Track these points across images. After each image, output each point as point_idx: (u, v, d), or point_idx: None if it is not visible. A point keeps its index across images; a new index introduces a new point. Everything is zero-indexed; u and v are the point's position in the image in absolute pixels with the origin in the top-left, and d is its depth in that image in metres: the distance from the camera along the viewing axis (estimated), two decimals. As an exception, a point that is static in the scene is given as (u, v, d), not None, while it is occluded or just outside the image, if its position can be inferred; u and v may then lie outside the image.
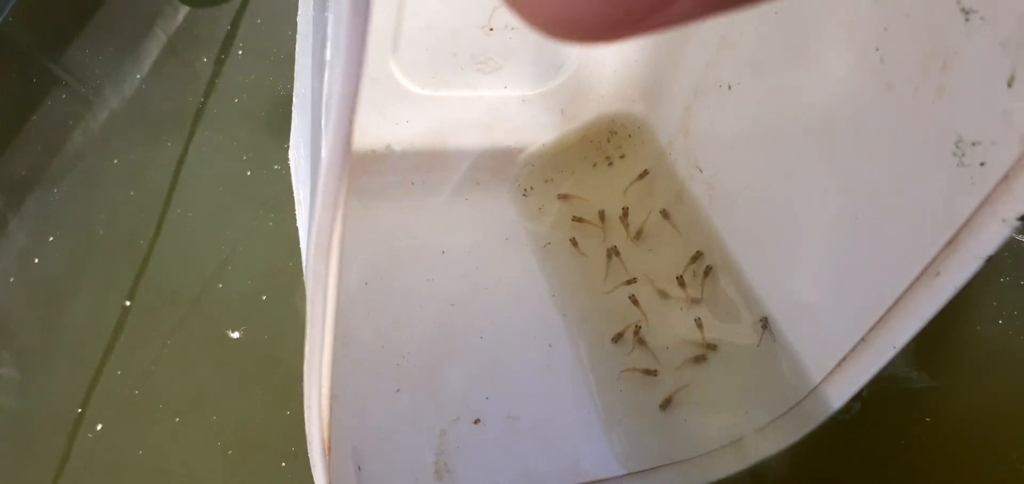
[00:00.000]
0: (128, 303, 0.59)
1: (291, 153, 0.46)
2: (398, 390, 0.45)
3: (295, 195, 0.44)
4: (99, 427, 0.54)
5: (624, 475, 0.44)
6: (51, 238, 0.64)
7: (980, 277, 0.31)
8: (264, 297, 0.58)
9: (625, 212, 0.54)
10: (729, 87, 0.46)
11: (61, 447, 0.54)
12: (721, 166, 0.48)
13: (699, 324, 0.48)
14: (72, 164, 0.68)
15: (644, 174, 0.55)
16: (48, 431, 0.54)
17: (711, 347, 0.48)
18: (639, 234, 0.54)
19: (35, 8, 0.77)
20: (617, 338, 0.49)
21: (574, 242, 0.54)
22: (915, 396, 0.49)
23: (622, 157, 0.58)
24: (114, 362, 0.57)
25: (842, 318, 0.38)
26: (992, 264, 0.31)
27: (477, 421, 0.45)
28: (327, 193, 0.19)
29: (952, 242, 0.31)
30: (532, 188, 0.57)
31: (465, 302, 0.51)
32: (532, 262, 0.53)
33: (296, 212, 0.44)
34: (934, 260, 0.32)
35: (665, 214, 0.53)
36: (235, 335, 0.57)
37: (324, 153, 0.18)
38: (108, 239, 0.63)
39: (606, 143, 0.59)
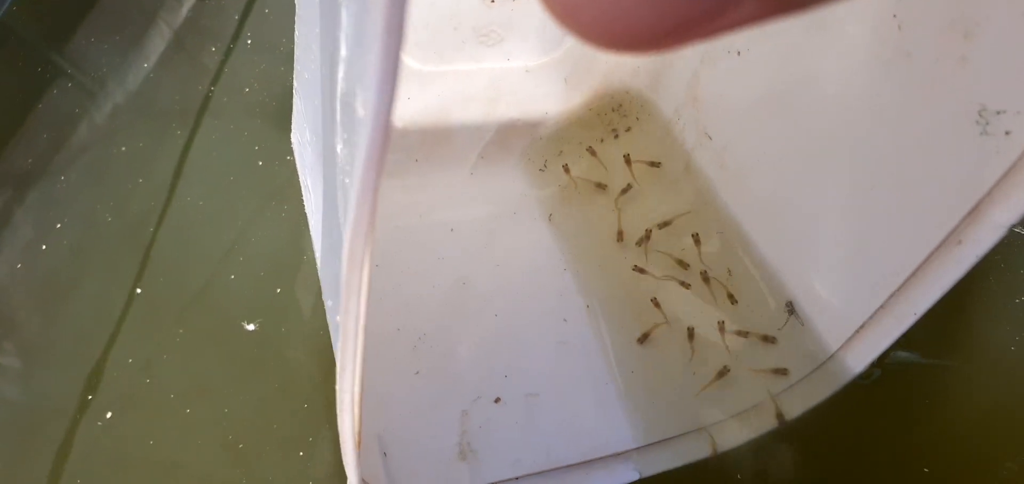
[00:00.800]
0: (137, 292, 0.60)
1: (294, 136, 0.46)
2: (417, 372, 0.46)
3: (301, 180, 0.44)
4: (108, 415, 0.55)
5: (647, 446, 0.45)
6: (57, 227, 0.64)
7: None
8: (277, 289, 0.58)
9: (627, 187, 0.54)
10: (738, 53, 0.46)
11: (67, 436, 0.54)
12: (732, 135, 0.48)
13: (711, 288, 0.49)
14: (77, 155, 0.68)
15: (652, 163, 0.55)
16: (54, 420, 0.55)
17: (731, 329, 0.48)
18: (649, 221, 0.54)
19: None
20: (642, 339, 0.49)
21: (583, 214, 0.54)
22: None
23: (628, 130, 0.58)
24: (121, 351, 0.57)
25: (861, 286, 0.39)
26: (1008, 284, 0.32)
27: (497, 400, 0.45)
28: (361, 207, 0.19)
29: (974, 211, 0.32)
30: (540, 161, 0.57)
31: (477, 280, 0.51)
32: (542, 235, 0.53)
33: (304, 198, 0.44)
34: (956, 229, 0.33)
35: (675, 186, 0.54)
36: (250, 327, 0.57)
37: (358, 172, 0.18)
38: (115, 229, 0.63)
39: (612, 113, 0.59)
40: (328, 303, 0.37)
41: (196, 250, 0.61)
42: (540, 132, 0.57)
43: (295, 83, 0.43)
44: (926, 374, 0.48)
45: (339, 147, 0.23)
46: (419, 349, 0.47)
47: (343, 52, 0.22)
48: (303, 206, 0.52)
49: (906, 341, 0.38)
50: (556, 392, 0.47)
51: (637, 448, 0.45)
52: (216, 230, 0.62)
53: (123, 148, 0.68)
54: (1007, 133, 0.29)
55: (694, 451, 0.45)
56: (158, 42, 0.75)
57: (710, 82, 0.50)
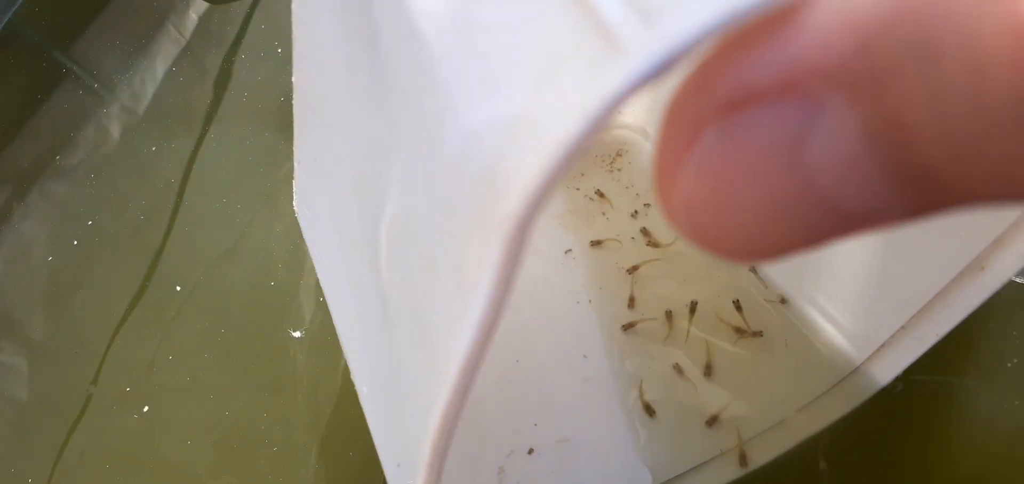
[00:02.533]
0: (138, 293, 0.62)
1: (300, 208, 0.45)
2: (448, 434, 0.46)
3: (312, 251, 0.43)
4: (106, 415, 0.57)
5: (678, 477, 0.46)
6: (59, 227, 0.65)
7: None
8: (278, 292, 0.60)
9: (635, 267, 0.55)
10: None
11: (66, 436, 0.55)
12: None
13: (738, 309, 0.50)
14: (81, 156, 0.70)
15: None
16: (52, 419, 0.56)
17: (749, 334, 0.49)
18: (654, 240, 0.55)
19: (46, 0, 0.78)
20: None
21: (596, 243, 0.55)
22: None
23: (620, 156, 0.59)
24: (121, 352, 0.59)
25: (883, 308, 0.41)
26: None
27: (531, 451, 0.46)
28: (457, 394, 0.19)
29: (1000, 240, 0.33)
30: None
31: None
32: (555, 272, 0.54)
33: (318, 274, 0.43)
34: (979, 256, 0.35)
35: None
36: (249, 329, 0.59)
37: (462, 348, 0.18)
38: (116, 230, 0.65)
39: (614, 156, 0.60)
40: (362, 389, 0.37)
41: (197, 252, 0.63)
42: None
43: (297, 151, 0.42)
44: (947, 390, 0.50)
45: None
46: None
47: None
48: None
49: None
50: (586, 433, 0.48)
51: (669, 481, 0.46)
52: (218, 233, 0.63)
53: (127, 149, 0.69)
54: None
55: (724, 473, 0.47)
56: (166, 45, 0.76)
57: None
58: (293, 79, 0.36)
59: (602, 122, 0.13)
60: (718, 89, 0.13)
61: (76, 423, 0.56)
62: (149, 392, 0.57)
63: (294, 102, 0.38)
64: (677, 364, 0.50)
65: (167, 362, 0.58)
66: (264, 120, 0.66)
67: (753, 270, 0.52)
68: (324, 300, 0.55)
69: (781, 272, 0.49)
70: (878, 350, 0.42)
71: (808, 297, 0.47)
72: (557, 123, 0.13)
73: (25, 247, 0.64)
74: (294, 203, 0.44)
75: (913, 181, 0.12)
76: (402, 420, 0.31)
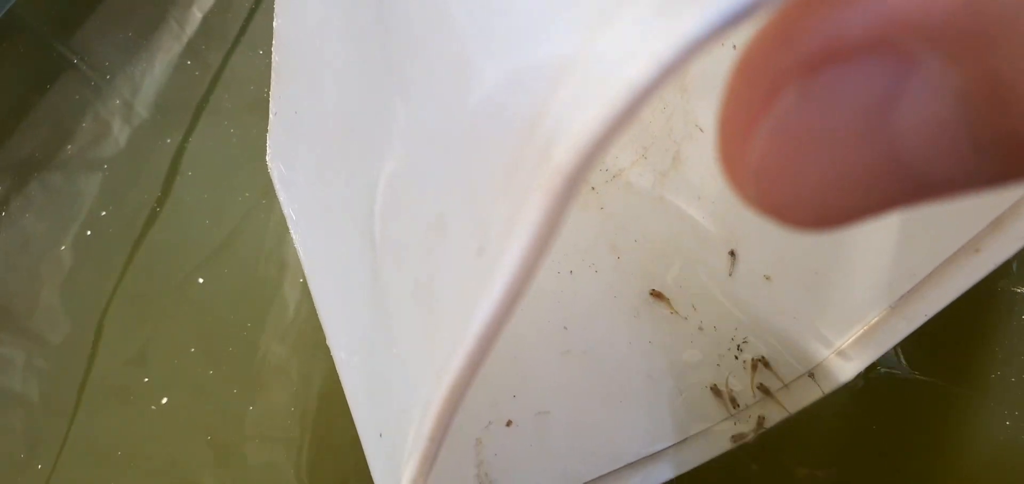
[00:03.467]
0: (130, 286, 0.62)
1: (271, 161, 0.43)
2: (424, 404, 0.45)
3: (288, 214, 0.42)
4: (95, 409, 0.58)
5: (660, 452, 0.46)
6: (54, 218, 0.66)
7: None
8: (268, 286, 0.61)
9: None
10: (734, 46, 0.47)
11: (55, 430, 0.56)
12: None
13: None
14: (79, 147, 0.70)
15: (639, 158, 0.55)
16: (41, 413, 0.57)
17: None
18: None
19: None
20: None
21: (572, 213, 0.54)
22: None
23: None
24: (111, 345, 0.60)
25: (874, 284, 0.41)
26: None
27: (509, 423, 0.46)
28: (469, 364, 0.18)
29: (998, 222, 0.34)
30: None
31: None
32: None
33: (293, 234, 0.42)
34: (975, 237, 0.35)
35: (662, 176, 0.54)
36: (240, 323, 0.59)
37: (472, 336, 0.17)
38: (111, 221, 0.66)
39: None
40: (339, 355, 0.36)
41: (193, 246, 0.64)
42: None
43: (273, 105, 0.40)
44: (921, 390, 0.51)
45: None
46: (421, 377, 0.46)
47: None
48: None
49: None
50: (566, 405, 0.47)
51: (650, 455, 0.46)
52: (214, 227, 0.64)
53: (126, 143, 0.70)
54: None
55: (709, 448, 0.47)
56: (166, 38, 0.77)
57: (701, 72, 0.50)
58: (274, 24, 0.34)
59: (676, 68, 0.12)
60: (802, 44, 0.12)
61: (72, 418, 0.57)
62: (141, 386, 0.57)
63: (273, 49, 0.36)
64: (652, 341, 0.50)
65: (160, 356, 0.59)
66: (263, 116, 0.67)
67: (732, 254, 0.52)
68: (307, 298, 0.58)
69: (764, 249, 0.49)
70: (865, 330, 0.42)
71: (793, 276, 0.47)
72: (625, 68, 0.12)
73: (23, 239, 0.65)
74: (267, 157, 0.42)
75: (1002, 148, 0.11)
76: (388, 388, 0.30)
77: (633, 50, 0.12)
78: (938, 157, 0.12)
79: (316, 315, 0.37)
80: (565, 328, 0.50)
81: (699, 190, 0.52)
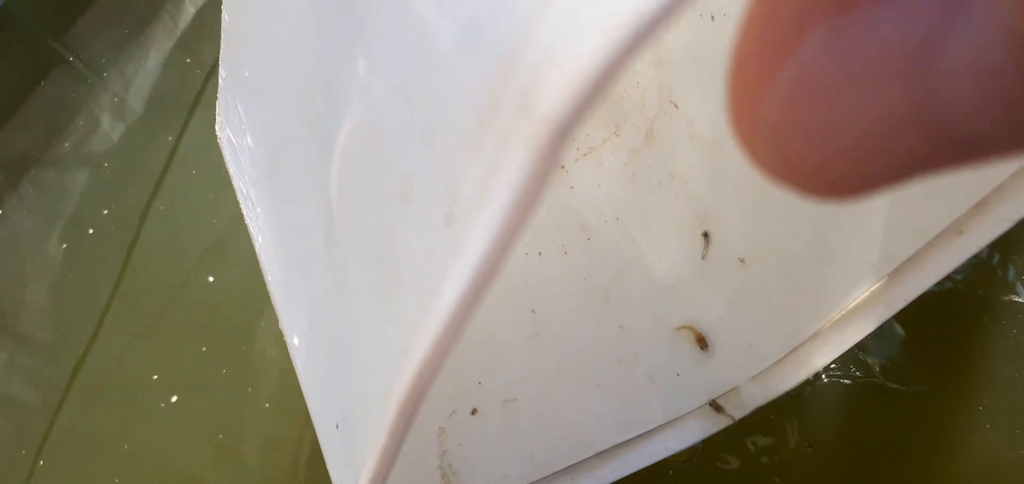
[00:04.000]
0: (123, 283, 0.62)
1: (222, 132, 0.40)
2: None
3: (236, 186, 0.39)
4: (86, 406, 0.58)
5: (631, 440, 0.45)
6: (47, 215, 0.66)
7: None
8: (260, 282, 0.60)
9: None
10: (712, 17, 0.45)
11: (46, 427, 0.56)
12: (703, 105, 0.48)
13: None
14: (72, 143, 0.70)
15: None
16: (32, 410, 0.57)
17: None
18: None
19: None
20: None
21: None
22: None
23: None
24: (105, 343, 0.60)
25: (854, 267, 0.40)
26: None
27: (474, 411, 0.44)
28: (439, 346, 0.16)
29: (981, 204, 0.33)
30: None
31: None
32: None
33: (243, 210, 0.39)
34: (959, 219, 0.34)
35: (634, 153, 0.53)
36: (233, 319, 0.59)
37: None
38: (105, 218, 0.65)
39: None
40: (293, 340, 0.34)
41: (186, 243, 0.63)
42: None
43: (223, 69, 0.37)
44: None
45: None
46: (382, 362, 0.44)
47: (362, 72, 0.18)
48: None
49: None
50: (534, 392, 0.45)
51: (622, 443, 0.45)
52: (207, 224, 0.64)
53: (118, 139, 0.70)
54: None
55: (684, 436, 0.46)
56: (159, 34, 0.77)
57: (678, 45, 0.49)
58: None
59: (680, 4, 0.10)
60: None
61: (55, 416, 0.57)
62: (134, 385, 0.57)
63: (223, 7, 0.33)
64: (622, 325, 0.49)
65: (153, 354, 0.59)
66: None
67: (705, 235, 0.50)
68: None
69: (740, 231, 0.48)
70: (843, 314, 0.41)
71: (770, 259, 0.46)
72: (619, 2, 0.10)
73: (13, 237, 0.65)
74: (216, 127, 0.40)
75: None
76: (347, 374, 0.28)
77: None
78: (984, 108, 0.10)
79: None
80: (533, 312, 0.48)
81: (672, 169, 0.51)
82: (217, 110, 0.39)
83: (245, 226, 0.61)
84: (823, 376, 0.51)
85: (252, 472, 0.54)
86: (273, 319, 0.57)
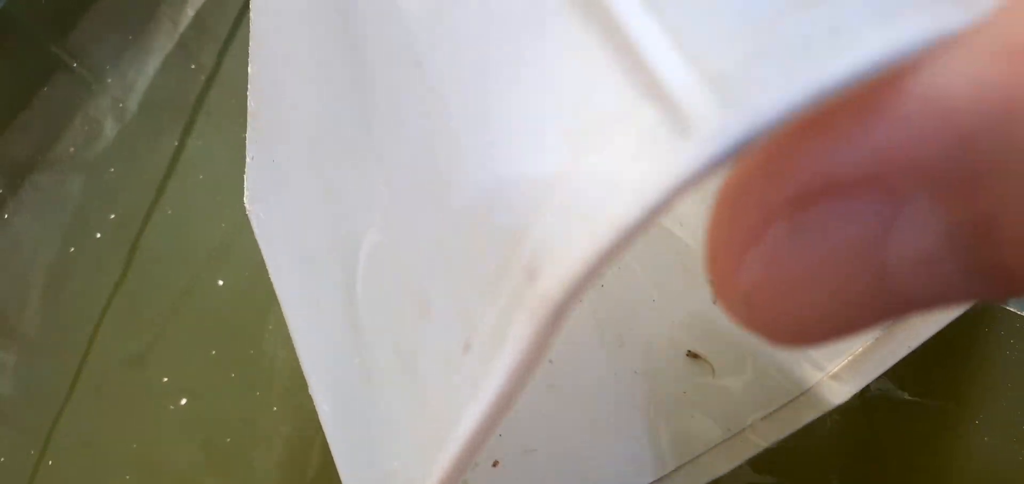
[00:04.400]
0: (123, 287, 0.62)
1: (249, 204, 0.42)
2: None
3: (268, 258, 0.41)
4: (89, 410, 0.57)
5: (658, 480, 0.47)
6: (46, 219, 0.66)
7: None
8: (265, 287, 0.62)
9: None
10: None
11: (48, 434, 0.56)
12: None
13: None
14: (71, 147, 0.70)
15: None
16: (34, 413, 0.57)
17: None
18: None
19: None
20: None
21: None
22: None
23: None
24: (105, 346, 0.59)
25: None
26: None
27: (495, 464, 0.45)
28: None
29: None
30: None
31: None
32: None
33: (273, 278, 0.41)
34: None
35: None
36: (236, 323, 0.59)
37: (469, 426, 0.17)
38: (104, 223, 0.65)
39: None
40: (323, 408, 0.36)
41: (187, 248, 0.63)
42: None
43: (250, 149, 0.39)
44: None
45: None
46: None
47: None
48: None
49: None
50: (551, 442, 0.47)
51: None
52: (208, 229, 0.64)
53: (118, 144, 0.69)
54: None
55: (702, 474, 0.47)
56: (160, 38, 0.76)
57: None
58: (249, 70, 0.34)
59: (665, 207, 0.11)
60: (792, 178, 0.12)
61: (57, 418, 0.57)
62: (144, 388, 0.57)
63: (249, 94, 0.35)
64: (636, 370, 0.50)
65: (152, 358, 0.58)
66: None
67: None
68: None
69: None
70: (861, 352, 0.42)
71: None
72: (609, 203, 0.12)
73: (15, 241, 0.65)
74: (245, 199, 0.42)
75: (991, 276, 0.12)
76: (370, 447, 0.30)
77: (620, 183, 0.12)
78: (928, 284, 0.12)
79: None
80: (550, 362, 0.50)
81: (681, 216, 0.52)
82: (246, 184, 0.42)
83: (251, 230, 0.63)
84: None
85: (261, 475, 0.55)
86: (282, 323, 0.58)
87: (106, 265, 0.63)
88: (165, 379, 0.58)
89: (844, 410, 0.51)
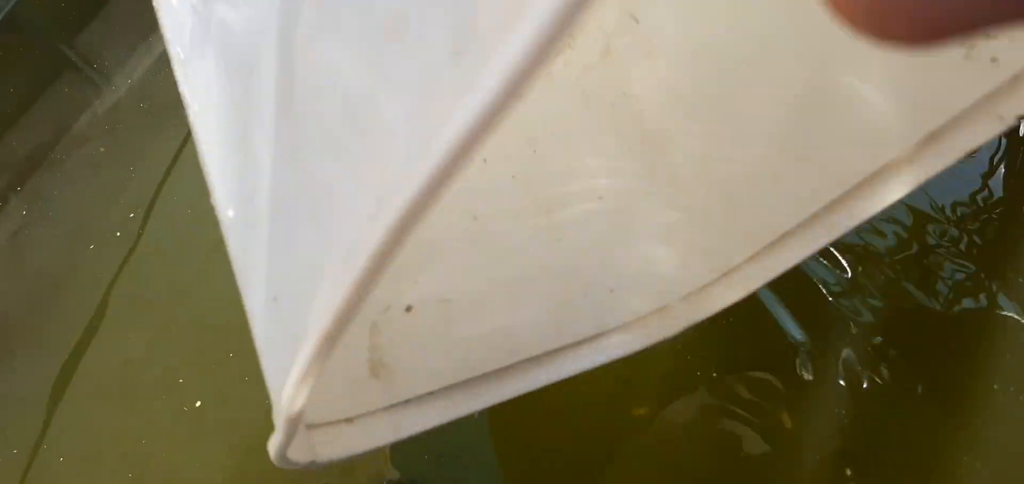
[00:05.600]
0: (122, 286, 0.63)
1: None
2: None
3: (170, 49, 0.36)
4: (86, 407, 0.60)
5: (568, 347, 0.45)
6: (50, 215, 0.67)
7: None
8: None
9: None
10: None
11: (42, 426, 0.57)
12: (667, 17, 0.47)
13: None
14: (77, 145, 0.72)
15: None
16: (29, 409, 0.58)
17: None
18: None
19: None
20: None
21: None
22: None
23: None
24: (104, 344, 0.60)
25: (795, 195, 0.41)
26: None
27: (409, 308, 0.43)
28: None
29: (936, 133, 0.34)
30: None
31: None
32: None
33: (177, 75, 0.36)
34: (913, 146, 0.35)
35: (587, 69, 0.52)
36: (236, 322, 0.54)
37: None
38: (106, 220, 0.67)
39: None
40: (227, 213, 0.32)
41: (186, 248, 0.64)
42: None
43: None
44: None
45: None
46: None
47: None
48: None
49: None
50: (470, 295, 0.45)
51: (558, 349, 0.45)
52: (207, 229, 0.63)
53: (123, 143, 0.71)
54: (992, 60, 0.31)
55: (619, 347, 0.47)
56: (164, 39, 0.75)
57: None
58: None
59: None
60: None
61: (51, 415, 0.58)
62: (159, 388, 0.58)
63: None
64: (561, 238, 0.49)
65: (150, 357, 0.60)
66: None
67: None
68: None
69: (688, 152, 0.49)
70: (781, 236, 0.42)
71: (716, 182, 0.46)
72: None
73: (12, 232, 0.67)
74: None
75: None
76: (293, 246, 0.27)
77: None
78: None
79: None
80: (475, 218, 0.48)
81: (625, 88, 0.50)
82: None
83: None
84: (810, 378, 0.53)
85: (273, 478, 0.55)
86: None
87: (103, 262, 0.64)
88: (182, 380, 0.58)
89: (858, 404, 0.53)
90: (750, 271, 0.44)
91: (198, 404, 0.58)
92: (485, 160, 0.50)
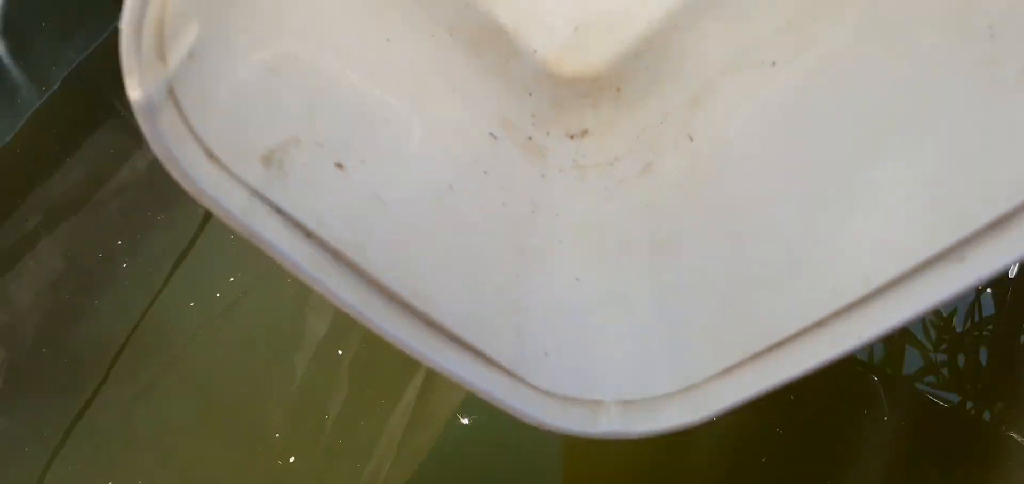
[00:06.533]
0: (139, 332, 0.65)
1: None
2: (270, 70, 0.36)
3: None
4: (96, 447, 0.61)
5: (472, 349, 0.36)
6: (78, 259, 0.69)
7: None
8: (286, 325, 0.65)
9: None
10: (773, 63, 0.44)
11: (46, 466, 0.58)
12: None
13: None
14: (112, 193, 0.73)
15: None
16: (36, 451, 0.59)
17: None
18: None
19: (114, 50, 0.86)
20: None
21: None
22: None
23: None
24: (116, 387, 0.62)
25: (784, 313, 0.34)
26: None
27: (340, 165, 0.36)
28: None
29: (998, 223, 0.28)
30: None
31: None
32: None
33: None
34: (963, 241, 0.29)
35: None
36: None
37: None
38: (131, 267, 0.68)
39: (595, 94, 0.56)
40: None
41: (199, 303, 0.65)
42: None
43: None
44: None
45: None
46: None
47: None
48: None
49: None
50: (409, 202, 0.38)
51: (457, 338, 0.36)
52: (221, 286, 0.66)
53: (155, 191, 0.73)
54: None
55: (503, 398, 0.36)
56: None
57: (727, 89, 0.47)
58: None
59: None
60: None
61: (57, 452, 0.59)
62: (141, 427, 0.60)
63: None
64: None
65: (152, 408, 0.61)
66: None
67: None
68: (314, 369, 0.61)
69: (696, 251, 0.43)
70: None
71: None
72: None
73: (41, 274, 0.68)
74: None
75: None
76: None
77: None
78: None
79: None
80: (451, 187, 0.43)
81: (649, 198, 0.47)
82: None
83: (266, 282, 0.66)
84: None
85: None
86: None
87: (124, 307, 0.66)
88: (154, 430, 0.60)
89: (904, 415, 0.51)
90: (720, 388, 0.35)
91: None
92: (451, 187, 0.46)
